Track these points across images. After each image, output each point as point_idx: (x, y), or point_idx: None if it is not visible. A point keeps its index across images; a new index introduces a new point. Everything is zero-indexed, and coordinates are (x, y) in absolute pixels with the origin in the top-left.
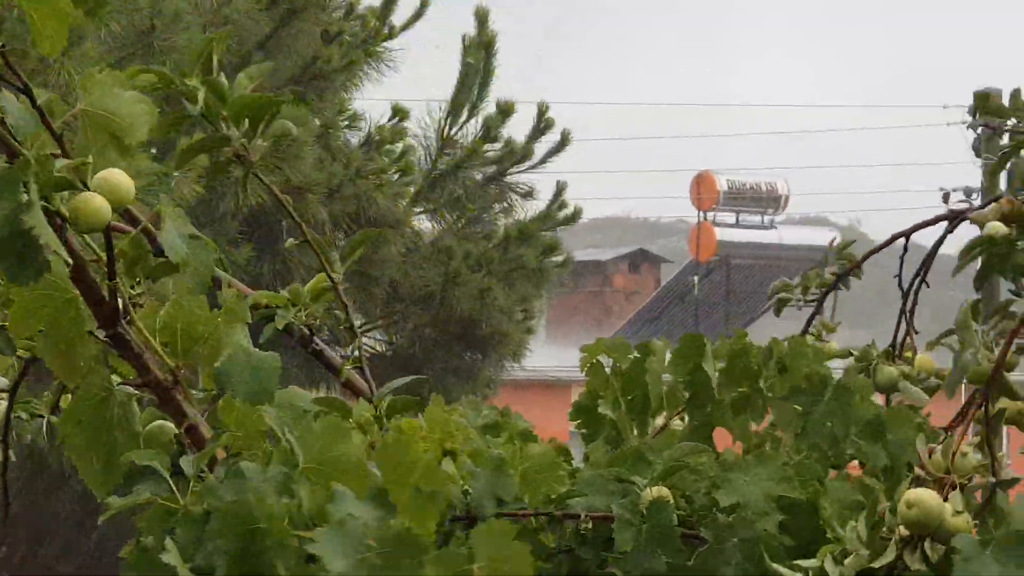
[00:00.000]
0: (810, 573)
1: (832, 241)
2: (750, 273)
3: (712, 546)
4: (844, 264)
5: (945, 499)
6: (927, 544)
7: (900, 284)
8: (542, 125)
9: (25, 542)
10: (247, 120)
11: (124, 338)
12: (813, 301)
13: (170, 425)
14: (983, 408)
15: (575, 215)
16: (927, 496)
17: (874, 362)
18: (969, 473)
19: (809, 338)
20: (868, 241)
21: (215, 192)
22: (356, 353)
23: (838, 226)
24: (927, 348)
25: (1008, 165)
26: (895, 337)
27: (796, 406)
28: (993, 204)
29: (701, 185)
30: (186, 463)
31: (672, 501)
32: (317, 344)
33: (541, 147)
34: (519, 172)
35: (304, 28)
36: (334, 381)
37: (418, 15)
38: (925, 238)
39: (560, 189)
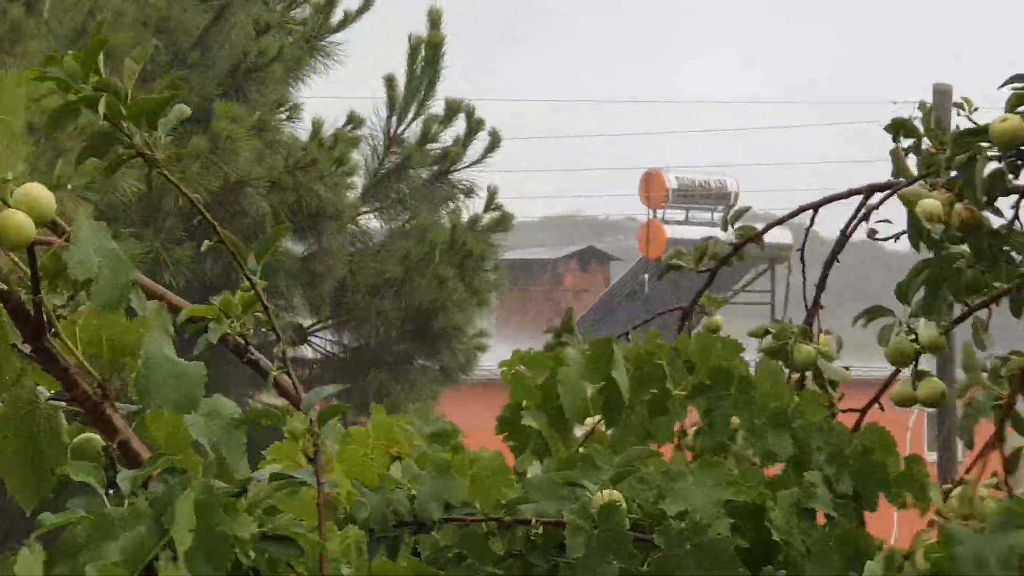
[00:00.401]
0: None
1: (728, 208)
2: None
3: (665, 552)
4: (742, 234)
5: None
6: None
7: (802, 258)
8: (473, 124)
9: None
10: (146, 119)
11: (50, 352)
12: (706, 271)
13: (97, 438)
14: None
15: (505, 220)
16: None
17: (791, 341)
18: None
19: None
20: (818, 238)
21: (157, 189)
22: (281, 358)
23: (792, 225)
24: (826, 333)
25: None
26: (810, 315)
27: (701, 403)
28: (920, 181)
29: (650, 183)
30: (123, 480)
31: (624, 505)
32: (252, 354)
33: (479, 146)
34: (462, 169)
35: (239, 22)
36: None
37: (364, 7)
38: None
39: (492, 194)
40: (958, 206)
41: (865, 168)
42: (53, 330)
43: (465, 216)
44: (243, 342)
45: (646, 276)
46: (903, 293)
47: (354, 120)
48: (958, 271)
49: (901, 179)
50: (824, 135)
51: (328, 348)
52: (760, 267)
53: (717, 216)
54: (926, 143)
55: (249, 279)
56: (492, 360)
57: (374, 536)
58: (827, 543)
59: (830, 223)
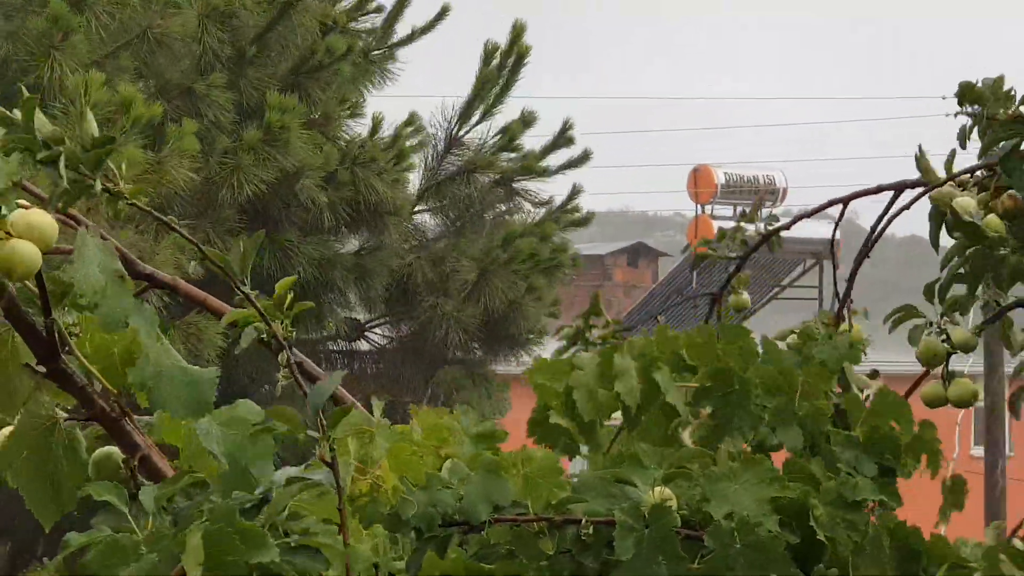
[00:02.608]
0: None
1: (756, 199)
2: (748, 266)
3: (716, 552)
4: (773, 222)
5: None
6: None
7: (832, 249)
8: (564, 137)
9: None
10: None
11: (66, 372)
12: (736, 258)
13: (116, 452)
14: None
15: (587, 219)
16: None
17: (820, 339)
18: None
19: (730, 292)
20: (863, 232)
21: (212, 182)
22: (286, 366)
23: (835, 218)
24: (851, 319)
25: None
26: (839, 312)
27: (707, 405)
28: (951, 183)
29: (699, 178)
30: (146, 497)
31: (675, 504)
32: (296, 356)
33: (553, 155)
34: (527, 179)
35: (303, 22)
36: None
37: (429, 26)
38: (901, 228)
39: (574, 192)
40: (1003, 196)
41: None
42: (67, 348)
43: (529, 218)
44: (285, 344)
45: (694, 272)
46: (932, 292)
47: (414, 120)
48: (1002, 258)
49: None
50: (873, 130)
51: (382, 343)
52: (808, 262)
53: (766, 212)
54: (992, 110)
55: (241, 291)
56: (543, 354)
57: (422, 536)
58: (877, 539)
59: (874, 217)
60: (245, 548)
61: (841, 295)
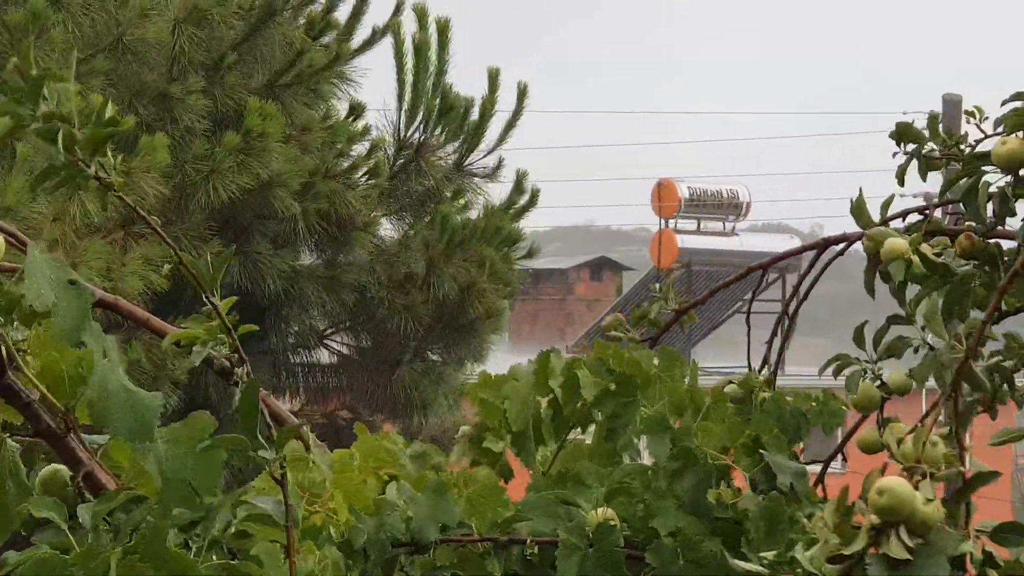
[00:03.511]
0: (773, 562)
1: (670, 273)
2: (712, 280)
3: (659, 571)
4: (685, 300)
5: (916, 487)
6: (901, 532)
7: (785, 313)
8: (484, 114)
9: None
10: (98, 147)
11: (13, 388)
12: (647, 340)
13: (64, 470)
14: (952, 399)
15: (533, 197)
16: (898, 484)
17: (755, 389)
18: (939, 463)
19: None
20: (832, 251)
21: (183, 190)
22: (242, 381)
23: (799, 232)
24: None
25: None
26: (776, 363)
27: (606, 409)
28: (877, 230)
29: (662, 192)
30: (83, 512)
31: (618, 523)
32: (239, 376)
33: (494, 130)
34: (478, 160)
35: (284, 33)
36: (298, 390)
37: (382, 33)
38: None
39: (520, 176)
40: (960, 236)
41: (876, 178)
42: (14, 364)
43: (478, 211)
44: (229, 365)
45: (658, 286)
46: (862, 338)
47: (356, 109)
48: (967, 292)
49: (855, 231)
50: (836, 145)
51: (344, 352)
52: (771, 277)
53: (729, 225)
54: (929, 147)
55: (209, 301)
56: (503, 368)
57: (369, 562)
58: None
59: (838, 230)
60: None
61: (779, 349)
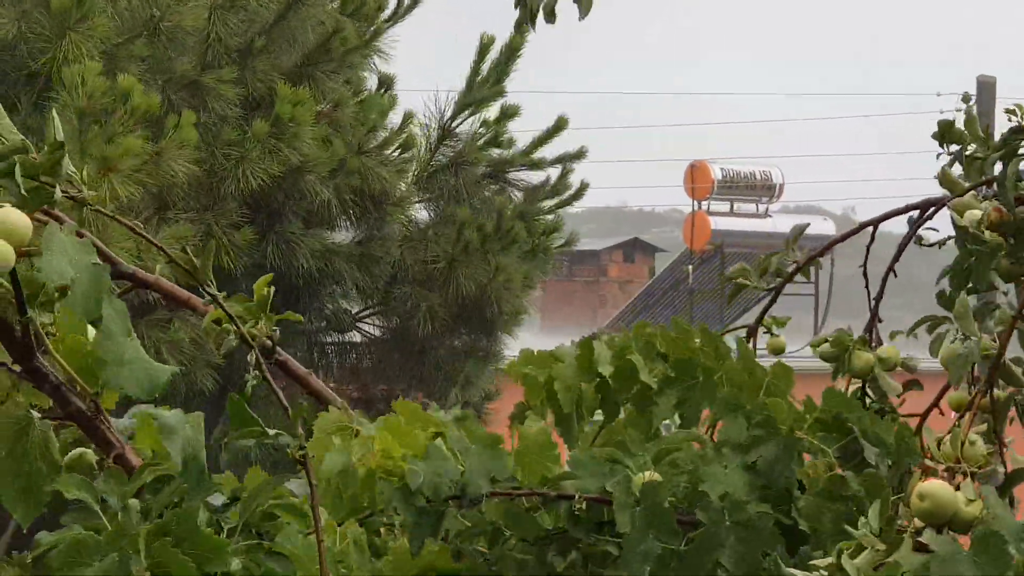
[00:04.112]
0: (825, 571)
1: (794, 229)
2: (745, 262)
3: (708, 529)
4: (807, 252)
5: (956, 488)
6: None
7: (865, 273)
8: (556, 128)
9: None
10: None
11: (41, 371)
12: (771, 289)
13: (90, 452)
14: (988, 395)
15: (581, 190)
16: (938, 487)
17: (849, 348)
18: (979, 462)
19: (761, 330)
20: (865, 232)
21: (215, 174)
22: (256, 371)
23: (832, 215)
24: (891, 337)
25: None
26: (870, 324)
27: (671, 396)
28: (971, 192)
29: (695, 174)
30: (107, 491)
31: (664, 483)
32: (280, 355)
33: (547, 147)
34: (517, 170)
35: (313, 14)
36: (331, 370)
37: (413, 4)
38: (900, 225)
39: (565, 172)
40: (990, 207)
41: (910, 160)
42: (43, 348)
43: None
44: (270, 343)
45: (690, 267)
46: (945, 298)
47: (407, 116)
48: (993, 260)
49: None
50: (869, 126)
51: (376, 334)
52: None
53: (762, 207)
54: (972, 148)
55: (208, 293)
56: (541, 345)
57: (422, 511)
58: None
59: (871, 216)
60: (199, 559)
61: (871, 310)
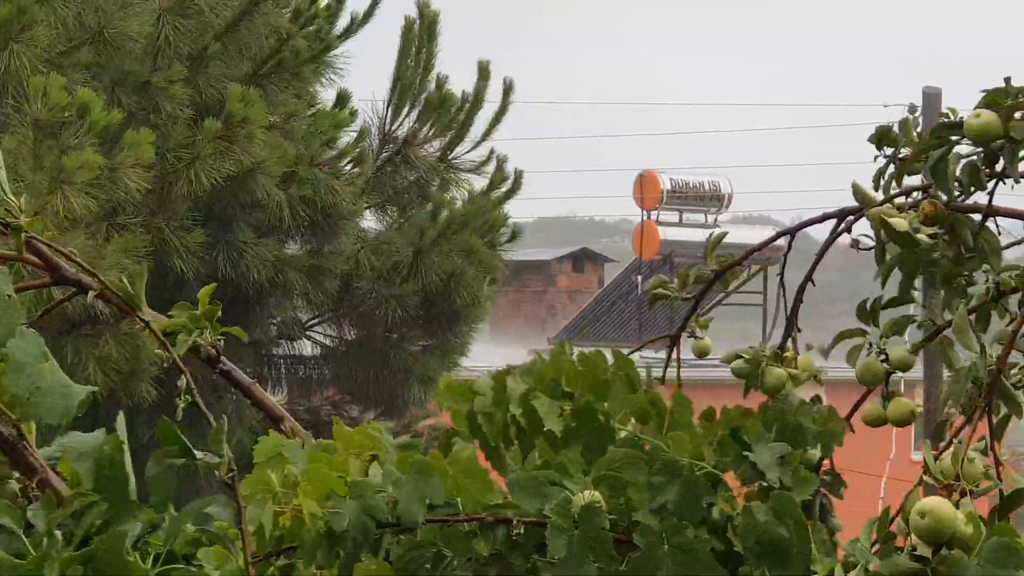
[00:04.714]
0: None
1: (710, 235)
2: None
3: (644, 553)
4: (724, 260)
5: (956, 506)
6: (943, 553)
7: (782, 282)
8: (482, 87)
9: None
10: None
11: None
12: (690, 298)
13: (13, 482)
14: (986, 413)
15: (517, 181)
16: (939, 505)
17: (763, 364)
18: (978, 479)
19: (685, 335)
20: (810, 240)
21: (165, 179)
22: (186, 394)
23: (781, 225)
24: (807, 348)
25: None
26: (785, 337)
27: (578, 442)
28: (887, 204)
29: (644, 184)
30: (37, 518)
31: (604, 506)
32: (225, 364)
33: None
34: (463, 153)
35: (268, 22)
36: (280, 382)
37: (365, 19)
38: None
39: (501, 161)
40: (924, 203)
41: (857, 170)
42: None
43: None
44: (215, 353)
45: (639, 278)
46: (866, 313)
47: (343, 99)
48: (933, 262)
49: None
50: (818, 137)
51: (328, 344)
52: (752, 268)
53: (711, 218)
54: (906, 152)
55: (141, 319)
56: (485, 360)
57: (354, 546)
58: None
59: (823, 228)
60: None
61: (788, 318)
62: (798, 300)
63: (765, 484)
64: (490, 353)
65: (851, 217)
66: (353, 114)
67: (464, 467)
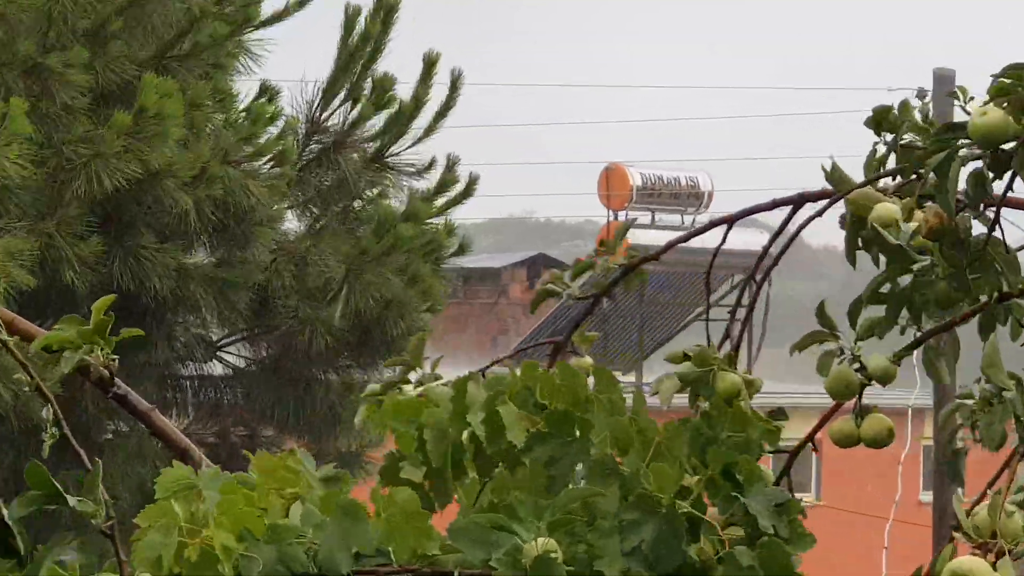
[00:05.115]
0: None
1: (618, 229)
2: (668, 282)
3: None
4: (635, 254)
5: (994, 568)
6: None
7: (707, 282)
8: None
9: None
10: None
11: None
12: (585, 299)
13: None
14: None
15: (470, 187)
16: (976, 566)
17: (712, 368)
18: (1018, 537)
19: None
20: (803, 245)
21: (57, 176)
22: (52, 426)
23: (770, 228)
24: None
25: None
26: (738, 340)
27: (542, 455)
28: (869, 186)
29: (611, 179)
30: None
31: (560, 556)
32: (119, 387)
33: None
34: (403, 151)
35: (162, 3)
36: (186, 408)
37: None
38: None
39: (451, 162)
40: (927, 212)
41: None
42: None
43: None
44: (108, 374)
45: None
46: (821, 316)
47: (268, 91)
48: (928, 284)
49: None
50: (812, 125)
51: (240, 365)
52: (736, 278)
53: (688, 219)
54: (909, 138)
55: (7, 347)
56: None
57: None
58: None
59: (822, 226)
60: None
61: (742, 323)
62: (754, 299)
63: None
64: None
65: (812, 204)
66: (276, 113)
67: (401, 508)
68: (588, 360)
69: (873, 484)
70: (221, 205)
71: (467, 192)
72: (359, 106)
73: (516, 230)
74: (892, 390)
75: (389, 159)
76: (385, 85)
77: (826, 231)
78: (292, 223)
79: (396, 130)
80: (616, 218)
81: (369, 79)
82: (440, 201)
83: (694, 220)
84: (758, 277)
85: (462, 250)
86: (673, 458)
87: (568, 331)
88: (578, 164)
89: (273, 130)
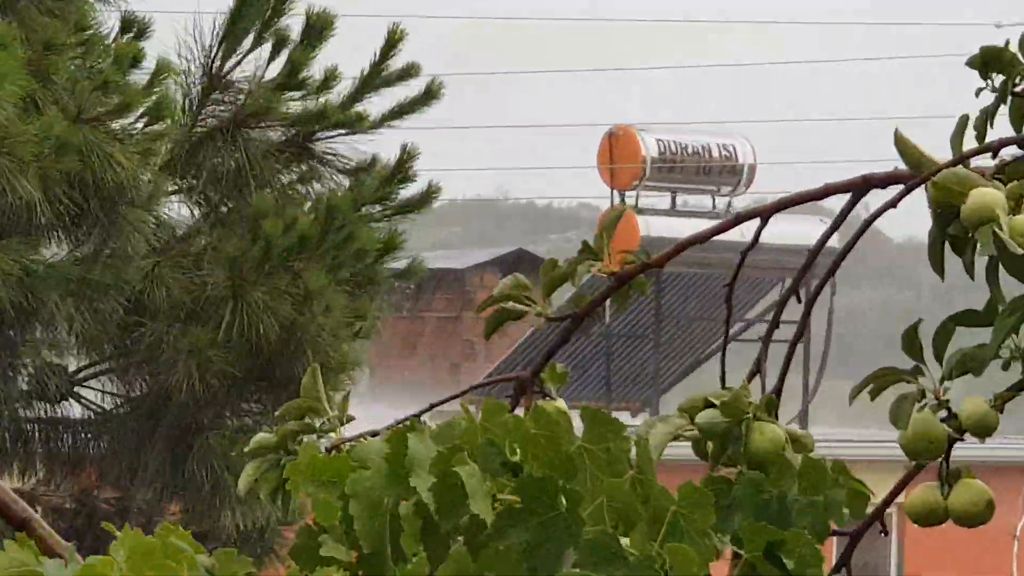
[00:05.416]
0: None
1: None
2: (691, 288)
3: None
4: (629, 262)
5: None
6: None
7: (730, 295)
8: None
9: None
10: None
11: None
12: (557, 319)
13: None
14: None
15: (429, 194)
16: None
17: (746, 418)
18: None
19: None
20: (878, 238)
21: None
22: None
23: (832, 213)
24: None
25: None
26: (781, 374)
27: (520, 536)
28: (949, 172)
29: (616, 148)
30: None
31: None
32: None
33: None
34: (334, 135)
35: None
36: (33, 461)
37: None
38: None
39: (408, 156)
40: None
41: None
42: None
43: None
44: None
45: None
46: (913, 342)
47: (134, 24)
48: None
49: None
50: (894, 73)
51: (106, 404)
52: (788, 282)
53: (721, 201)
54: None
55: None
56: (362, 423)
57: None
58: None
59: (907, 215)
60: None
61: (789, 344)
62: (800, 329)
63: None
64: (370, 415)
65: (878, 190)
66: (140, 53)
67: None
68: (560, 403)
69: (978, 565)
70: (78, 182)
71: (425, 200)
72: (285, 51)
73: (487, 216)
74: (997, 439)
75: (319, 142)
76: (320, 25)
77: (909, 220)
78: (182, 212)
79: (321, 82)
80: (623, 201)
81: (284, 15)
82: (371, 182)
83: (730, 203)
84: (814, 284)
85: (411, 273)
86: (696, 535)
87: (538, 363)
88: (572, 127)
89: (146, 76)
